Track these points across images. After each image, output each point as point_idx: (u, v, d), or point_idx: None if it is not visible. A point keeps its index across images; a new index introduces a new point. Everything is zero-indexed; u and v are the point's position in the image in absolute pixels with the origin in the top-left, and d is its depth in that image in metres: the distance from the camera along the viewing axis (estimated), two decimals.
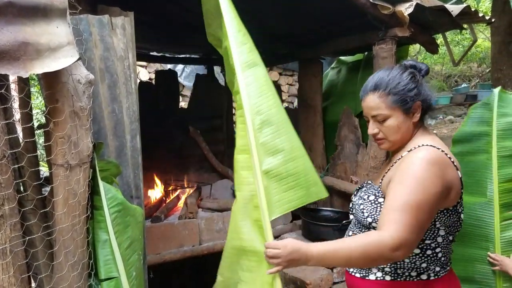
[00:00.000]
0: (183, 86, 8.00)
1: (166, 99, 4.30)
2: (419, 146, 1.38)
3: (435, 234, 1.39)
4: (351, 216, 1.59)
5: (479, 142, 2.51)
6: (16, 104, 1.55)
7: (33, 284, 1.55)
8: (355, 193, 1.61)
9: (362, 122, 2.92)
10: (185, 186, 3.94)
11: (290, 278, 2.74)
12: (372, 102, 1.44)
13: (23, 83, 1.50)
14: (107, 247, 1.57)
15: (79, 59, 1.29)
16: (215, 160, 4.32)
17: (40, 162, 1.67)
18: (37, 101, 6.77)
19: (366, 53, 3.18)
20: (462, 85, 10.89)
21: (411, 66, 1.49)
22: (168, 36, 3.56)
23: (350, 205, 1.61)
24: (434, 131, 10.37)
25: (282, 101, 4.04)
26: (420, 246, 1.38)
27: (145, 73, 7.95)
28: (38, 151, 1.60)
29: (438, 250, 1.40)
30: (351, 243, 1.28)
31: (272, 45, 3.59)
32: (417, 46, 12.04)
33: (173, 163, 4.19)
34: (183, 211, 3.26)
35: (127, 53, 1.81)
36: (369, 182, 1.62)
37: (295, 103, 8.49)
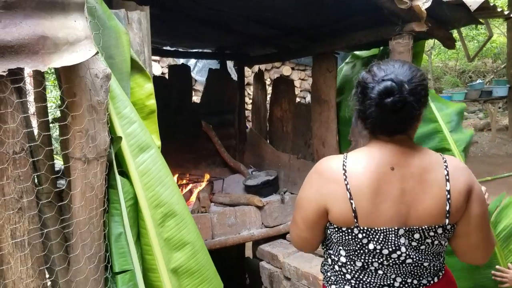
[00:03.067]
0: (196, 80, 8.02)
1: (179, 93, 4.31)
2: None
3: (337, 251, 1.35)
4: None
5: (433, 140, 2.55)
6: (31, 98, 1.56)
7: (47, 275, 1.56)
8: None
9: None
10: (198, 180, 3.95)
11: (303, 273, 2.74)
12: None
13: (41, 76, 1.51)
14: (122, 240, 1.58)
15: (97, 53, 1.29)
16: (227, 154, 4.32)
17: (54, 156, 1.69)
18: (51, 95, 6.84)
19: (381, 47, 3.14)
20: (477, 81, 10.74)
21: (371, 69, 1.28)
22: (181, 30, 3.56)
23: None
24: None
25: (295, 96, 4.02)
26: (331, 258, 1.38)
27: (158, 67, 7.99)
28: (53, 145, 1.61)
29: (344, 270, 1.34)
30: None
31: (285, 39, 3.56)
32: (431, 41, 11.91)
33: (185, 157, 4.21)
34: (196, 205, 3.27)
35: (143, 48, 1.81)
36: None
37: (308, 98, 8.46)
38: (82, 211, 1.39)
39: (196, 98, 6.78)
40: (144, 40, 1.83)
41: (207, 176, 3.94)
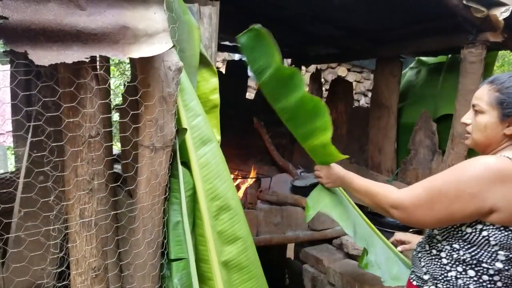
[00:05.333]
0: (249, 76, 8.07)
1: (234, 89, 4.36)
2: (500, 155, 1.29)
3: (493, 256, 1.27)
4: None
5: None
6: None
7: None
8: None
9: (440, 128, 2.76)
10: (246, 176, 3.98)
11: (349, 281, 2.69)
12: (480, 92, 1.38)
13: (107, 63, 1.57)
14: (179, 229, 1.61)
15: (173, 46, 1.32)
16: (277, 153, 4.32)
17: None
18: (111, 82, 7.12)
19: (449, 55, 3.01)
20: None
21: None
22: (243, 26, 3.59)
23: None
24: None
25: (353, 99, 3.94)
26: (475, 269, 1.29)
27: None
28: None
29: (496, 278, 1.27)
30: (372, 185, 1.57)
31: (349, 40, 3.50)
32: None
33: (235, 152, 4.25)
34: (243, 201, 3.30)
35: (211, 43, 1.84)
36: None
37: (362, 101, 8.28)
38: (146, 197, 1.43)
39: (248, 94, 6.83)
40: (212, 35, 1.86)
41: (254, 173, 3.95)
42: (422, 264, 1.45)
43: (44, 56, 1.10)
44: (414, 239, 1.92)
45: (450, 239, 1.34)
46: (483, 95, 1.37)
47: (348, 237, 3.10)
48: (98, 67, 1.51)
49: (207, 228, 1.63)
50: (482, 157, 1.30)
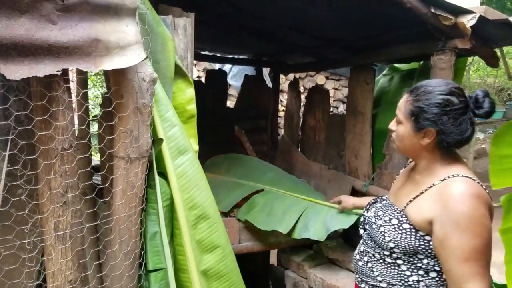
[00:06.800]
0: (229, 85, 8.11)
1: (214, 98, 4.37)
2: (453, 176, 1.29)
3: None
4: (361, 231, 1.55)
5: None
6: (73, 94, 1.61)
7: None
8: (368, 207, 1.58)
9: None
10: None
11: (329, 285, 2.72)
12: (401, 101, 1.42)
13: (82, 75, 1.57)
14: (157, 239, 1.62)
15: (146, 58, 1.34)
16: None
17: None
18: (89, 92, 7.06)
19: (421, 62, 3.09)
20: None
21: (465, 96, 1.32)
22: (223, 36, 3.62)
23: (362, 219, 1.57)
24: (483, 146, 9.93)
25: (330, 106, 4.00)
26: (437, 269, 1.33)
27: (194, 71, 8.12)
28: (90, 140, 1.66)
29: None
30: None
31: (325, 50, 3.57)
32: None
33: None
34: None
35: (186, 54, 1.86)
36: (384, 198, 1.58)
37: (340, 108, 8.39)
38: (122, 208, 1.43)
39: (229, 103, 6.86)
40: (188, 46, 1.88)
41: None
42: (376, 273, 1.44)
43: (15, 71, 1.11)
44: (347, 199, 2.33)
45: (416, 253, 1.34)
46: (401, 105, 1.40)
47: (327, 242, 3.13)
48: (72, 79, 1.52)
49: (185, 238, 1.65)
50: (459, 193, 1.24)
